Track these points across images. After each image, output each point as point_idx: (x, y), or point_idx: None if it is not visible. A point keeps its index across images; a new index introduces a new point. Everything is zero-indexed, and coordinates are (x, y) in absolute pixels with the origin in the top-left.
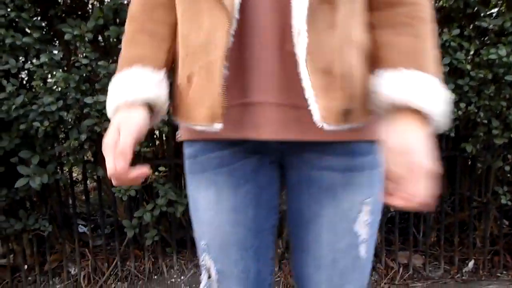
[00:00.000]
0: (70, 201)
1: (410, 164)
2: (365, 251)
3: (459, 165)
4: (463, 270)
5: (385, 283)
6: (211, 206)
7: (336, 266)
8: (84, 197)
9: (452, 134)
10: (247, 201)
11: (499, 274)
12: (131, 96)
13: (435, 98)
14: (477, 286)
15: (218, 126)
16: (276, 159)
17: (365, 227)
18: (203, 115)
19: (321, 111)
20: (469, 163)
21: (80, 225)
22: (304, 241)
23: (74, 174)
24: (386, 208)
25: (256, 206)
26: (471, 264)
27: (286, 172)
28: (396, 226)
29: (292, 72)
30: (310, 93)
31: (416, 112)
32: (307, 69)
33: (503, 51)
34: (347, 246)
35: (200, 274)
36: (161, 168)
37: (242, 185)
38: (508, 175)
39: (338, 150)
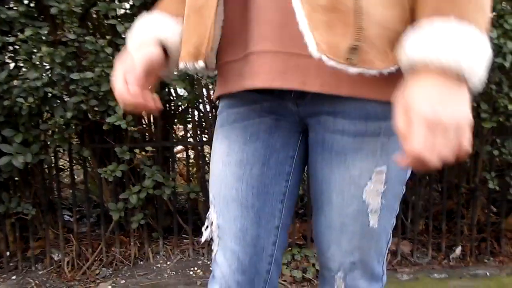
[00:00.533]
0: (55, 185)
1: (411, 119)
2: (377, 221)
3: None
4: (450, 257)
5: None
6: (222, 158)
7: (345, 230)
8: (70, 182)
9: None
10: (254, 158)
11: (486, 261)
12: (145, 34)
13: (470, 54)
14: (464, 271)
15: (200, 64)
16: (296, 124)
17: (376, 196)
18: (188, 52)
19: (320, 44)
20: None
21: (65, 215)
22: (319, 201)
23: (60, 162)
24: None
25: (262, 165)
26: (458, 250)
27: (308, 137)
28: None
29: (294, 20)
30: (303, 24)
31: (442, 71)
32: (301, 3)
33: (493, 33)
34: (355, 212)
35: (186, 259)
36: (148, 148)
37: (253, 141)
38: (497, 159)
39: (352, 113)
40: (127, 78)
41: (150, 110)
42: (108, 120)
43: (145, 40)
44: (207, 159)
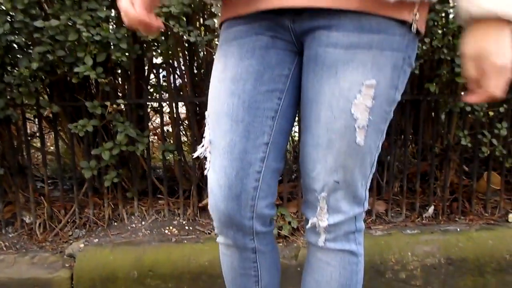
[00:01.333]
0: (24, 147)
1: (483, 68)
2: (363, 139)
3: (423, 111)
4: (423, 215)
5: None
6: (218, 74)
7: (331, 147)
8: (39, 143)
9: (417, 72)
10: (248, 74)
11: (457, 219)
12: None
13: None
14: (436, 228)
15: None
16: (292, 43)
17: (364, 111)
18: None
19: None
20: (433, 105)
21: (36, 180)
22: (307, 120)
23: (29, 125)
24: None
25: (255, 81)
26: (431, 210)
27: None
28: None
29: None
30: None
31: (508, 22)
32: None
33: None
34: (343, 128)
35: (161, 219)
36: (120, 101)
37: (248, 58)
38: (469, 115)
39: (347, 25)
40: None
41: (152, 30)
42: (76, 70)
43: None
44: (181, 117)
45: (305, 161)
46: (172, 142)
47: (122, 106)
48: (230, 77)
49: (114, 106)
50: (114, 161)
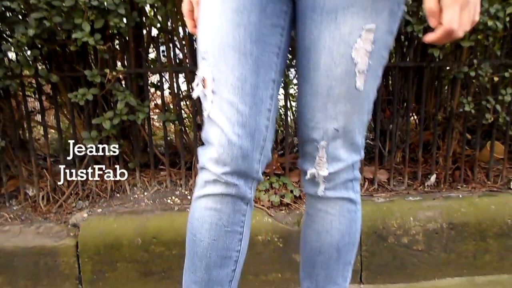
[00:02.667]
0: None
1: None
2: (363, 84)
3: (426, 78)
4: (425, 184)
5: None
6: (215, 7)
7: (331, 94)
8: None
9: (420, 35)
10: (251, 5)
11: (459, 187)
12: None
13: None
14: (438, 195)
15: None
16: None
17: (364, 56)
18: None
19: None
20: (436, 73)
21: (38, 154)
22: (306, 69)
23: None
24: None
25: (260, 13)
26: (433, 178)
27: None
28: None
29: None
30: None
31: None
32: None
33: None
34: (343, 73)
35: (164, 190)
36: (120, 68)
37: None
38: (473, 80)
39: None
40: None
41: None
42: (74, 35)
43: None
44: (181, 87)
45: (304, 111)
46: (172, 111)
47: (121, 76)
48: (233, 9)
49: (114, 73)
50: (115, 131)
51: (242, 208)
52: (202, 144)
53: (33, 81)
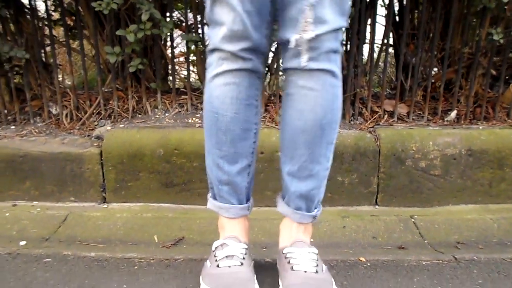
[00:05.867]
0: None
1: None
2: None
3: (454, 11)
4: (445, 119)
5: (369, 123)
6: None
7: None
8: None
9: None
10: None
11: (478, 124)
12: None
13: None
14: (457, 127)
15: None
16: None
17: None
18: None
19: None
20: (465, 8)
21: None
22: None
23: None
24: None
25: None
26: (453, 114)
27: None
28: (384, 77)
29: None
30: None
31: None
32: None
33: None
34: None
35: (184, 112)
36: None
37: None
38: (505, 7)
39: None
40: None
41: None
42: None
43: None
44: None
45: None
46: (195, 34)
47: None
48: None
49: None
50: (138, 48)
51: (256, 82)
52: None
53: None
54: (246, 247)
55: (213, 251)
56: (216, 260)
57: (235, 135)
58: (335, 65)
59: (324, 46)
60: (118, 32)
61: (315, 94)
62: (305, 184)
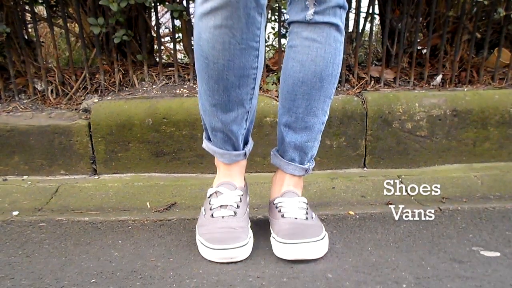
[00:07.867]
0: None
1: None
2: None
3: None
4: (431, 84)
5: (356, 89)
6: None
7: None
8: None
9: None
10: None
11: (463, 87)
12: None
13: None
14: (442, 90)
15: None
16: None
17: None
18: None
19: None
20: None
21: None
22: None
23: None
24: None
25: None
26: (439, 78)
27: None
28: (371, 43)
29: None
30: None
31: None
32: None
33: None
34: None
35: (172, 84)
36: None
37: None
38: None
39: None
40: None
41: None
42: None
43: None
44: None
45: None
46: (180, 5)
47: None
48: None
49: None
50: (122, 19)
51: (257, 21)
52: None
53: None
54: (241, 193)
55: (208, 197)
56: (210, 209)
57: (229, 83)
58: (340, 19)
59: (332, 0)
60: (101, 2)
61: (318, 46)
62: (300, 136)
